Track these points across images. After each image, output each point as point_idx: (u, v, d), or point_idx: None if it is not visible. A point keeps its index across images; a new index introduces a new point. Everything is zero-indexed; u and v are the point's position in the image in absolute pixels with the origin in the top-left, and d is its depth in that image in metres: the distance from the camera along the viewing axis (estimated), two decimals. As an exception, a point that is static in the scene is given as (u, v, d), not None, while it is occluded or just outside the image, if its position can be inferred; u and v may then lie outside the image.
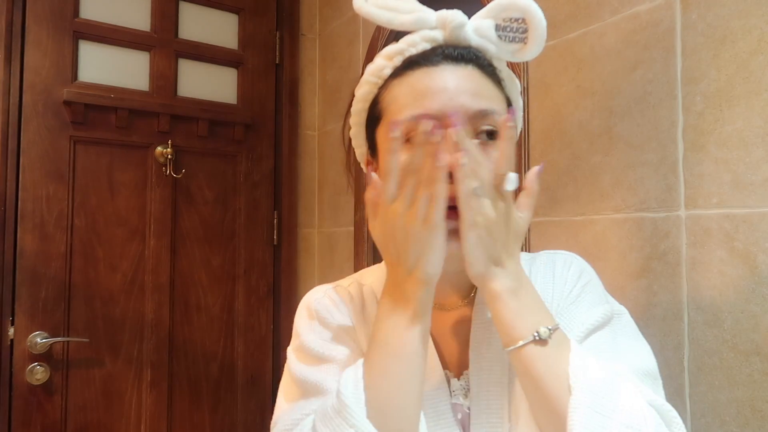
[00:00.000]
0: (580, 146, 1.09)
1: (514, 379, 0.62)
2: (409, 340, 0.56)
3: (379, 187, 0.58)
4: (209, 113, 1.85)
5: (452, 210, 0.57)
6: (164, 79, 1.79)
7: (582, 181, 1.08)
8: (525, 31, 0.62)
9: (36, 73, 1.62)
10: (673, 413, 0.56)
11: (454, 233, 0.58)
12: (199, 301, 1.83)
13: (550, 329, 0.55)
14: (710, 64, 0.89)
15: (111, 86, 1.72)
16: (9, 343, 1.55)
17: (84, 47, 1.70)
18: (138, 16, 1.78)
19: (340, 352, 0.65)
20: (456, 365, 0.66)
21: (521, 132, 1.18)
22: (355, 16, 1.85)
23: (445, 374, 0.65)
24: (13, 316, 1.56)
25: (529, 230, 1.18)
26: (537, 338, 0.54)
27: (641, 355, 0.63)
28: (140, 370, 1.72)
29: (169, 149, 1.77)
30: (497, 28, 0.63)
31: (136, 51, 1.77)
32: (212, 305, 1.85)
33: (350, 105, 0.72)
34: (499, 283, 0.56)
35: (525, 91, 1.20)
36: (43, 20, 1.63)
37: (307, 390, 0.63)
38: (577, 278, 0.68)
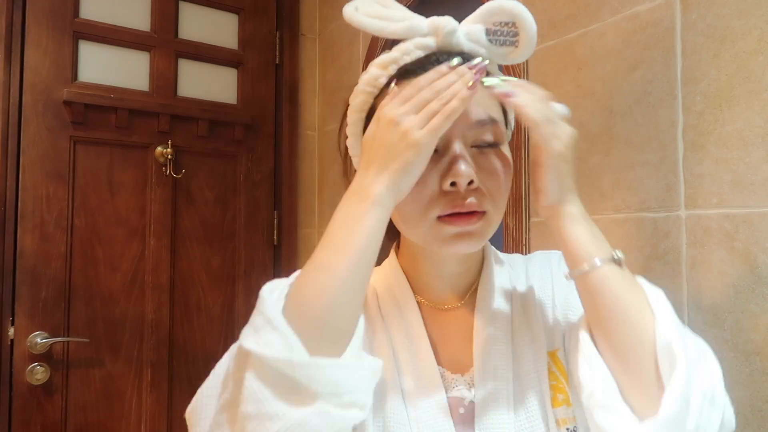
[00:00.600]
0: (580, 146, 1.09)
1: (519, 372, 0.64)
2: (358, 232, 0.54)
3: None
4: (209, 113, 1.85)
5: (460, 216, 0.60)
6: (164, 79, 1.79)
7: (582, 180, 1.08)
8: (516, 34, 0.63)
9: (36, 74, 1.62)
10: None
11: (463, 235, 0.60)
12: (199, 301, 1.83)
13: (620, 257, 0.58)
14: (710, 64, 0.89)
15: (111, 86, 1.72)
16: (9, 343, 1.55)
17: (84, 47, 1.70)
18: (138, 16, 1.78)
19: None
20: (457, 362, 0.66)
21: (521, 132, 1.19)
22: (355, 16, 1.85)
23: (440, 370, 0.65)
24: (13, 316, 1.56)
25: (528, 230, 1.19)
26: (615, 259, 0.57)
27: None
28: (140, 370, 1.72)
29: (169, 149, 1.77)
30: (487, 32, 0.63)
31: (136, 51, 1.77)
32: (212, 305, 1.85)
33: (345, 114, 0.71)
34: (574, 207, 0.60)
35: (525, 91, 1.20)
36: (43, 20, 1.63)
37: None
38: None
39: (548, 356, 0.65)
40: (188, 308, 1.81)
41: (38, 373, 1.57)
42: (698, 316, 0.89)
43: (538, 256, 0.76)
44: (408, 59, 0.63)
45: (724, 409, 0.53)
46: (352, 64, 1.83)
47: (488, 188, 0.61)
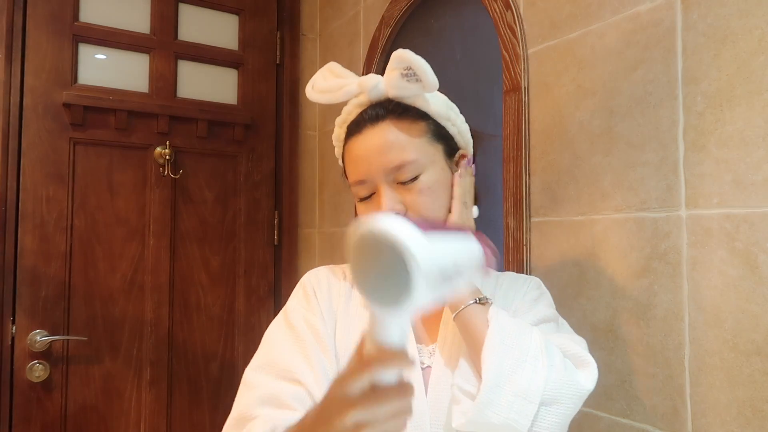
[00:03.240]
0: (580, 146, 1.08)
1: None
2: None
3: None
4: (208, 114, 1.85)
5: None
6: (163, 80, 1.79)
7: (583, 181, 1.08)
8: (417, 74, 0.79)
9: (36, 77, 1.62)
10: (589, 359, 0.73)
11: None
12: (199, 301, 1.83)
13: (484, 298, 0.76)
14: (711, 64, 0.89)
15: (110, 88, 1.72)
16: (10, 341, 1.55)
17: (83, 50, 1.70)
18: (138, 19, 1.78)
19: (310, 324, 0.82)
20: (424, 336, 0.84)
21: (520, 132, 1.19)
22: (355, 17, 1.85)
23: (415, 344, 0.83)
24: (13, 314, 1.56)
25: (529, 230, 1.18)
26: (476, 301, 0.75)
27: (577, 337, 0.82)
28: (140, 369, 1.72)
29: (167, 150, 1.77)
30: (403, 75, 0.78)
31: (136, 53, 1.77)
32: (212, 305, 1.85)
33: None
34: (456, 297, 0.76)
35: (525, 91, 1.20)
36: (43, 25, 1.63)
37: (272, 363, 0.78)
38: (536, 288, 0.89)
39: None
40: (188, 308, 1.81)
41: (38, 371, 1.57)
42: (699, 316, 0.89)
43: (510, 276, 0.94)
44: (351, 118, 0.84)
45: (540, 404, 0.67)
46: (353, 64, 1.83)
47: (417, 208, 0.79)
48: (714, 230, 0.87)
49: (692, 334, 0.90)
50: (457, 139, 0.87)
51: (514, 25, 1.22)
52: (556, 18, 1.14)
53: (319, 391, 0.74)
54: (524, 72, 1.20)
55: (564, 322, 0.87)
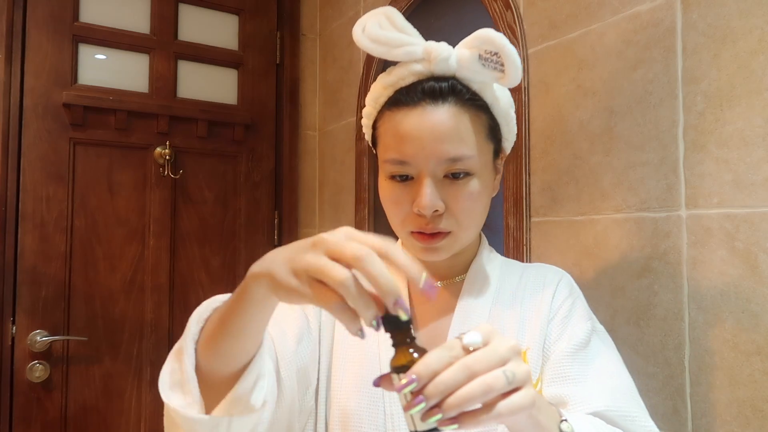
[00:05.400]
0: (580, 146, 1.08)
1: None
2: (246, 317, 0.59)
3: None
4: (209, 114, 1.85)
5: (425, 235, 0.71)
6: (163, 80, 1.79)
7: (583, 180, 1.08)
8: (503, 63, 0.69)
9: (36, 77, 1.62)
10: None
11: (429, 249, 0.73)
12: (199, 301, 1.80)
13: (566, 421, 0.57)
14: (711, 64, 0.89)
15: (110, 88, 1.72)
16: (10, 341, 1.55)
17: (83, 50, 1.70)
18: (137, 19, 1.78)
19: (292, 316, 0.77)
20: (430, 337, 0.76)
21: (520, 133, 1.19)
22: (355, 16, 1.85)
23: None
24: (14, 314, 1.56)
25: (529, 230, 1.18)
26: None
27: (621, 376, 0.73)
28: (140, 369, 1.72)
29: (167, 150, 1.77)
30: (480, 57, 0.69)
31: (136, 53, 1.77)
32: (212, 305, 1.85)
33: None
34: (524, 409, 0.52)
35: (525, 91, 1.20)
36: (43, 25, 1.63)
37: None
38: (568, 293, 0.79)
39: None
40: (188, 308, 1.81)
41: (38, 371, 1.57)
42: (699, 316, 0.89)
43: (533, 269, 0.83)
44: (403, 83, 0.72)
45: None
46: (353, 63, 1.83)
47: (455, 212, 0.71)
48: (714, 230, 0.87)
49: (692, 333, 0.90)
50: (505, 141, 0.79)
51: (514, 25, 1.22)
52: (556, 18, 1.14)
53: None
54: (524, 72, 1.20)
55: (600, 330, 0.78)
